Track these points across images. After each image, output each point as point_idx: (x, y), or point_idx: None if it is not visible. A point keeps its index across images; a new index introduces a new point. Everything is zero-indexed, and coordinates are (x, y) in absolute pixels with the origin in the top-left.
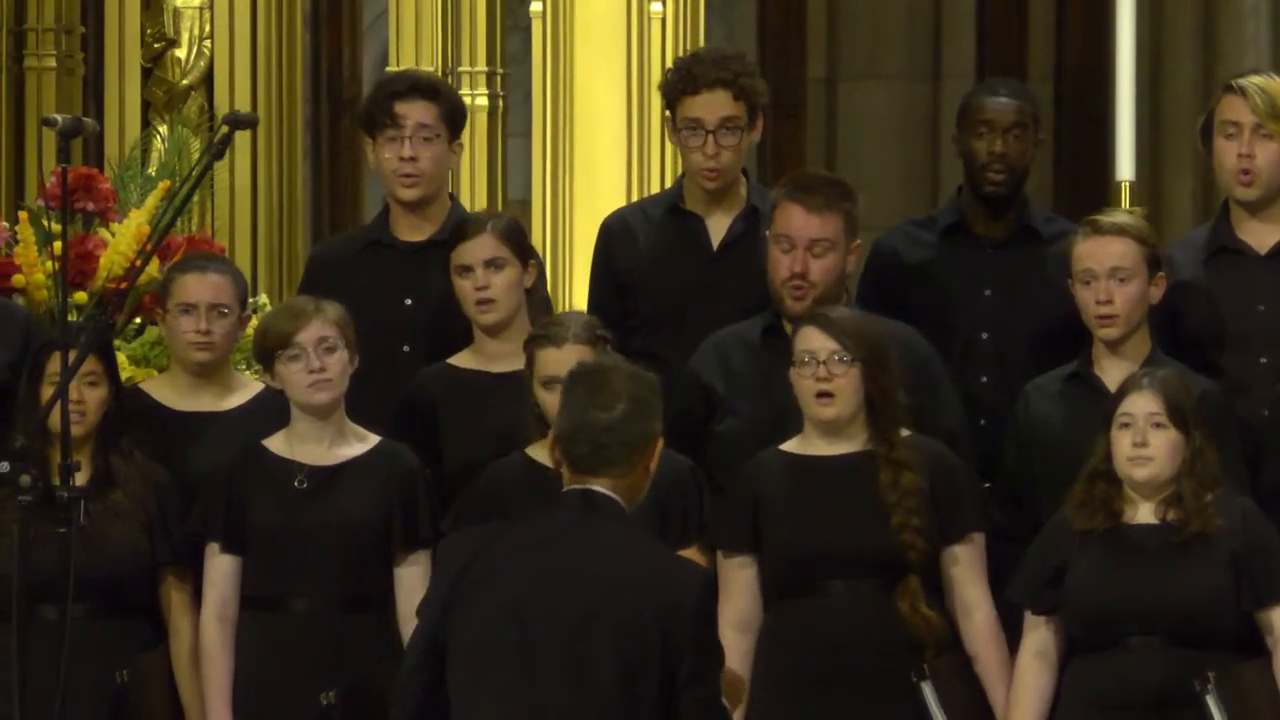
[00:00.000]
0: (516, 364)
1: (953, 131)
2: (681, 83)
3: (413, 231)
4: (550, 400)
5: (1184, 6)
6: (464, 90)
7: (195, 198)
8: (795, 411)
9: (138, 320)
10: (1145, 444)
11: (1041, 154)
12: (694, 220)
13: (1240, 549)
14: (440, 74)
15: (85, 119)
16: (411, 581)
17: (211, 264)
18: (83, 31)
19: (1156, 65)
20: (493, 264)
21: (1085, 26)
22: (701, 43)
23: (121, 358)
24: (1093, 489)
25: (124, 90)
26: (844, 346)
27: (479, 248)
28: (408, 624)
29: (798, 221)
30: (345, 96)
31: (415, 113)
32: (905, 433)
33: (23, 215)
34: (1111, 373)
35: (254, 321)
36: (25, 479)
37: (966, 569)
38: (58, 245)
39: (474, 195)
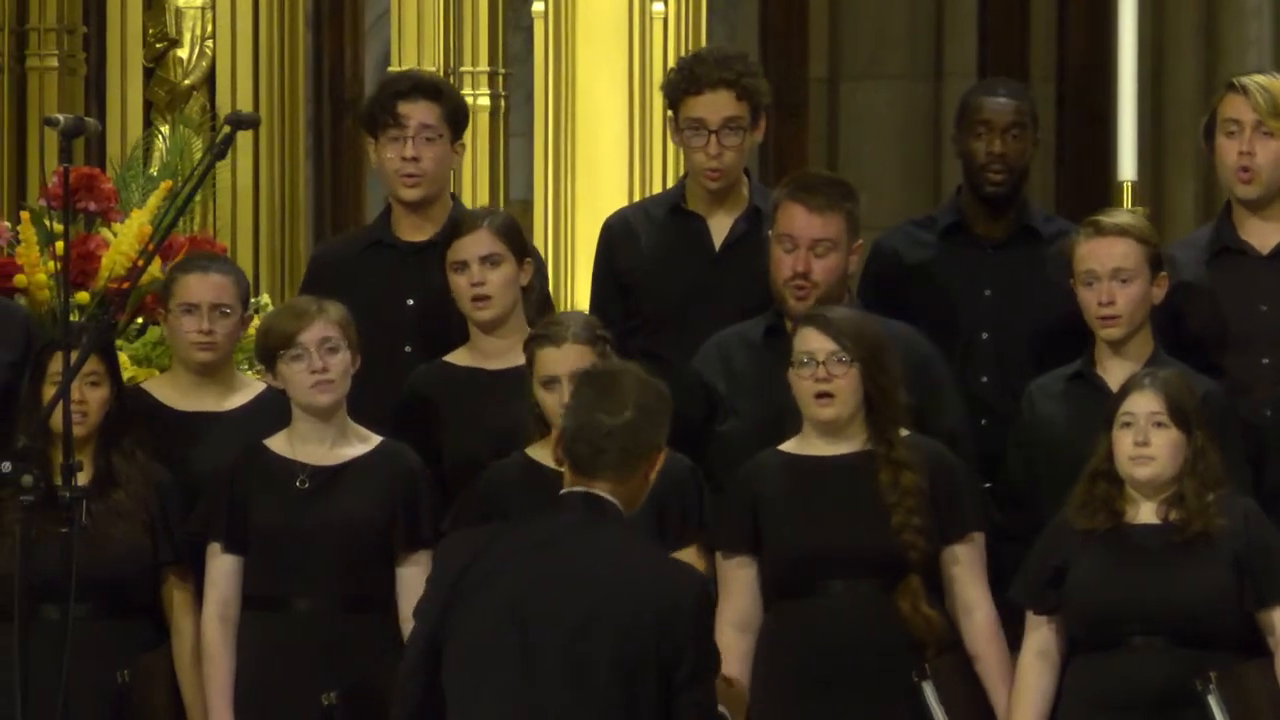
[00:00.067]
0: (512, 361)
1: (954, 131)
2: (684, 83)
3: (414, 232)
4: (550, 400)
5: (1186, 5)
6: (466, 90)
7: (197, 198)
8: (797, 411)
9: (140, 320)
10: (1147, 443)
11: (1043, 154)
12: (696, 220)
13: (1242, 549)
14: (442, 74)
15: (87, 119)
16: (413, 582)
17: (214, 264)
18: (85, 31)
19: (1159, 64)
20: (489, 260)
21: (1087, 26)
22: (703, 43)
23: (123, 358)
24: (1094, 489)
25: (126, 90)
26: (843, 347)
27: (475, 244)
28: (409, 624)
29: (800, 221)
30: (347, 96)
31: (418, 113)
32: (904, 432)
33: (25, 215)
34: (1114, 373)
35: (256, 321)
36: (27, 479)
37: (966, 569)
38: (59, 245)
39: (476, 195)
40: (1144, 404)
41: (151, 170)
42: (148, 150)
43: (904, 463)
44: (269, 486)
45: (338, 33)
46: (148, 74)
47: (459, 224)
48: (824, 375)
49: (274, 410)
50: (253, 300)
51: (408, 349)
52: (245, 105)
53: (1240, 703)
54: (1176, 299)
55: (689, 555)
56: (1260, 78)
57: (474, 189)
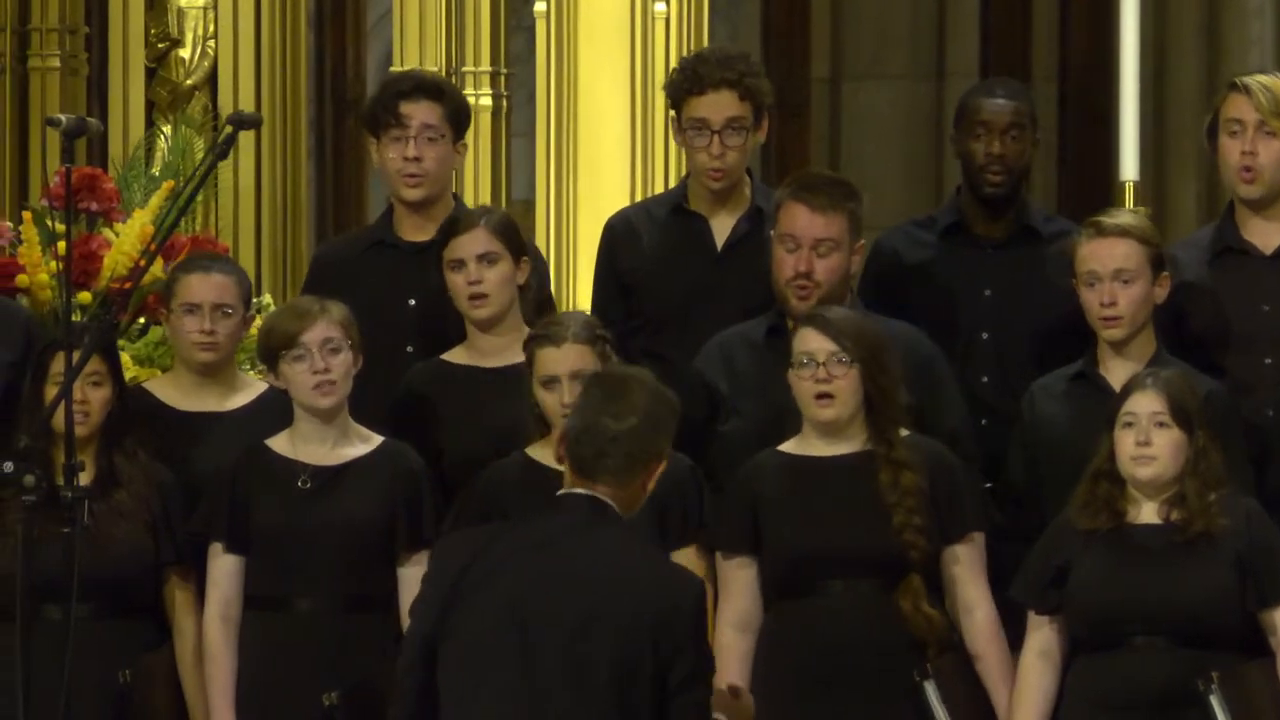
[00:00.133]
0: (510, 359)
1: (953, 132)
2: (687, 83)
3: (416, 232)
4: (550, 400)
5: (1188, 5)
6: (468, 90)
7: (199, 198)
8: (799, 412)
9: (142, 320)
10: (1148, 443)
11: (1045, 154)
12: (698, 220)
13: (1245, 549)
14: (444, 74)
15: (89, 119)
16: (415, 582)
17: (216, 264)
18: (87, 32)
19: (1160, 64)
20: (485, 259)
21: (1089, 26)
22: (705, 43)
23: (125, 358)
24: (1096, 489)
25: (128, 90)
26: (842, 347)
27: (472, 242)
28: None
29: (802, 221)
30: (349, 96)
31: (420, 113)
32: (904, 432)
33: (27, 215)
34: (1117, 373)
35: (258, 321)
36: (29, 479)
37: (967, 568)
38: (61, 245)
39: (477, 195)
40: (1146, 404)
41: (153, 170)
42: (150, 150)
43: (904, 463)
44: (271, 486)
45: (340, 33)
46: (150, 74)
47: (456, 222)
48: (824, 376)
49: (276, 410)
50: (254, 300)
51: (409, 349)
52: (247, 105)
53: (1242, 703)
54: (1179, 299)
55: (689, 555)
56: (1263, 77)
57: (476, 189)
